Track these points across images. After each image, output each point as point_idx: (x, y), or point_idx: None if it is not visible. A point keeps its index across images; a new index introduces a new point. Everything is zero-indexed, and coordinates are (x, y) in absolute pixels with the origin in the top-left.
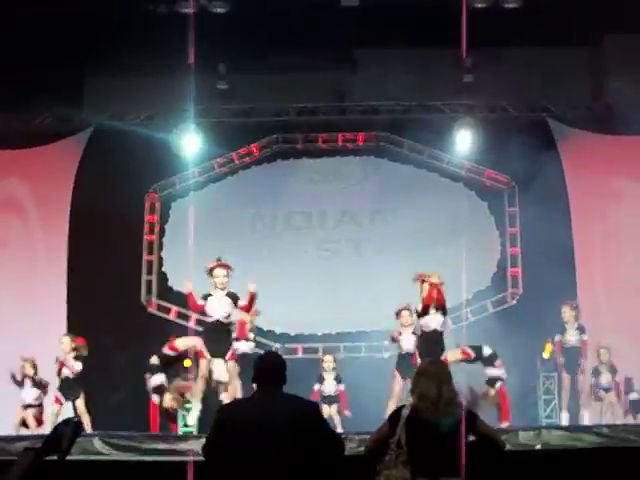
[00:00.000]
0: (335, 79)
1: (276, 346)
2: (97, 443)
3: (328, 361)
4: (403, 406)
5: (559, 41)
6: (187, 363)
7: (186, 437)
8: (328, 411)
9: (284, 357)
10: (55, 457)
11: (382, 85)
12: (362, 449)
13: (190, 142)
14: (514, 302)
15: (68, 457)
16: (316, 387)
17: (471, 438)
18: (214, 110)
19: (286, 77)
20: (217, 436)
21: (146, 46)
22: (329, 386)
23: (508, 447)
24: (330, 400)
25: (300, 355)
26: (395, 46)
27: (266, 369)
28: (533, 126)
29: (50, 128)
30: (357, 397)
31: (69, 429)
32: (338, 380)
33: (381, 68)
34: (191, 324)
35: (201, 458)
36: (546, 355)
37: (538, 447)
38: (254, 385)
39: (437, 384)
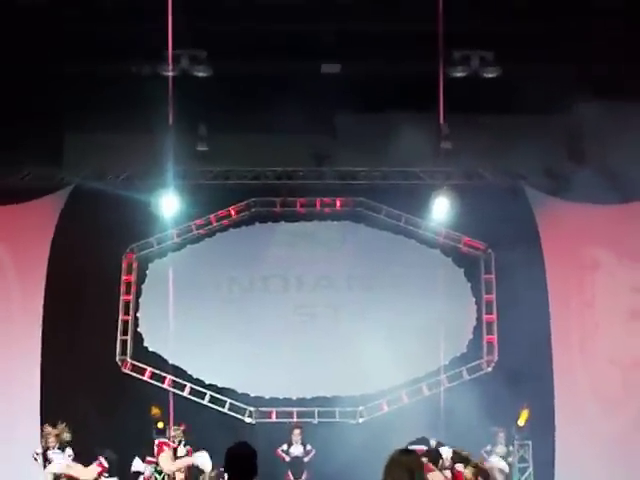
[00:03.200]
0: (314, 143)
1: (250, 409)
2: None
3: (296, 434)
4: None
5: (535, 109)
6: (160, 425)
7: None
8: None
9: (258, 421)
10: None
11: (361, 150)
12: None
13: (169, 203)
14: (489, 369)
15: None
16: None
17: None
18: (193, 172)
19: (266, 140)
20: None
21: (128, 106)
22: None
23: None
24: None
25: (274, 419)
26: (374, 111)
27: (237, 460)
28: (510, 193)
29: (29, 186)
30: (329, 462)
31: None
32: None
33: (360, 133)
34: (165, 385)
35: None
36: (521, 422)
37: None
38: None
39: (409, 473)
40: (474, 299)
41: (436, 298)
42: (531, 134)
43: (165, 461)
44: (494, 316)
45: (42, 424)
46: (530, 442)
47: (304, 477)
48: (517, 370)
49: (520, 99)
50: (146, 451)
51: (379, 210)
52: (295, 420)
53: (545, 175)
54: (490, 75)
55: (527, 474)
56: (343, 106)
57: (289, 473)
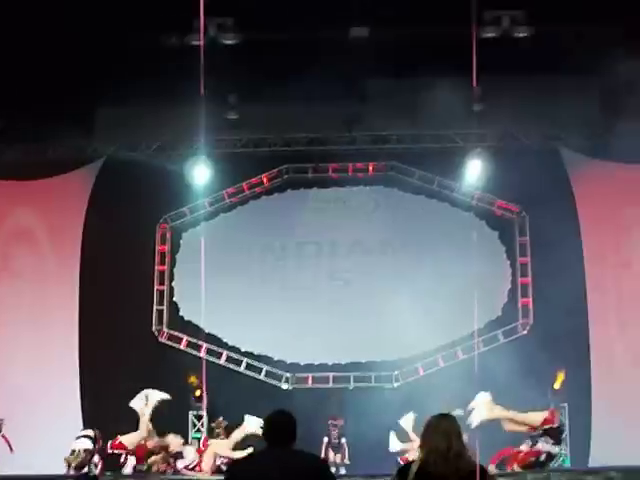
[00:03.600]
0: (345, 108)
1: (286, 375)
2: None
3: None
4: (413, 461)
5: (570, 69)
6: (197, 393)
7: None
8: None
9: (295, 387)
10: None
11: (392, 115)
12: None
13: (201, 172)
14: (525, 332)
15: None
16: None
17: None
18: (225, 140)
19: (296, 107)
20: None
21: (158, 77)
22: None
23: None
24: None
25: (310, 385)
26: (405, 75)
27: (277, 428)
28: (544, 155)
29: (62, 159)
30: (365, 426)
31: None
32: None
33: (391, 97)
34: (202, 354)
35: None
36: (557, 385)
37: None
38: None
39: (446, 438)
40: (509, 262)
41: (470, 262)
42: (565, 94)
43: (221, 448)
44: (529, 279)
45: (82, 396)
46: (566, 405)
47: (343, 441)
48: (553, 333)
49: (554, 59)
50: (181, 419)
51: (412, 174)
52: (331, 385)
53: (580, 135)
54: (522, 35)
55: (563, 437)
56: (373, 70)
57: (326, 438)
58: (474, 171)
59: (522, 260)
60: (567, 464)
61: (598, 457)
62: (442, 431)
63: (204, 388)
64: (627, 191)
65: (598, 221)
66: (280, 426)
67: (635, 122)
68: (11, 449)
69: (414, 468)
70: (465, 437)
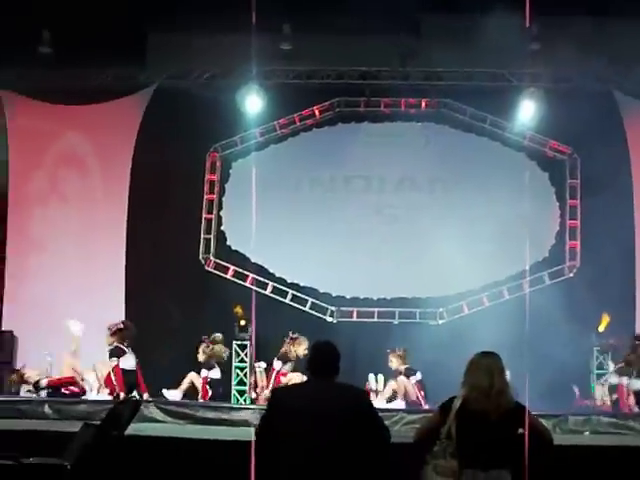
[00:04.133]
0: (399, 43)
1: (331, 309)
2: (153, 410)
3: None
4: (455, 397)
5: (628, 10)
6: (242, 322)
7: (239, 408)
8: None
9: (340, 320)
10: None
11: (446, 51)
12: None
13: (252, 103)
14: (571, 275)
15: None
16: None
17: (520, 431)
18: (277, 71)
19: (350, 39)
20: (270, 419)
21: (210, 4)
22: None
23: (558, 433)
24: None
25: (355, 319)
26: (461, 11)
27: (321, 360)
28: (599, 98)
29: (113, 85)
30: (409, 362)
31: (128, 407)
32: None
33: (446, 33)
34: (248, 284)
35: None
36: (601, 329)
37: (587, 433)
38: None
39: (489, 375)
40: (558, 204)
41: (519, 202)
42: (623, 37)
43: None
44: (578, 222)
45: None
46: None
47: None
48: (599, 276)
49: (614, 1)
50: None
51: (464, 111)
52: (376, 320)
53: (636, 79)
54: None
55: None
56: (429, 5)
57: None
58: (527, 111)
59: (572, 202)
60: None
61: None
62: (484, 368)
63: (250, 318)
64: None
65: None
66: (324, 356)
67: None
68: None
69: (456, 404)
70: (507, 375)
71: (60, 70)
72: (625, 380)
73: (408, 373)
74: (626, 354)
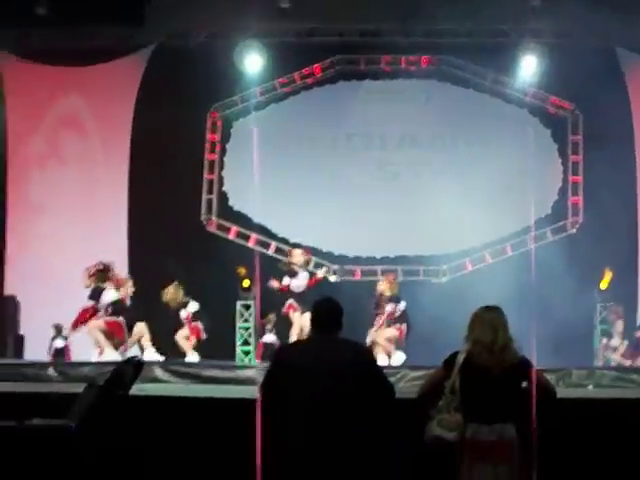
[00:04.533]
0: (400, 0)
1: (334, 267)
2: (157, 370)
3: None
4: (458, 352)
5: None
6: (245, 283)
7: (244, 366)
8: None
9: (343, 279)
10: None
11: (447, 7)
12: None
13: (252, 62)
14: (574, 231)
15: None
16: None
17: (524, 385)
18: (277, 30)
19: None
20: (274, 376)
21: None
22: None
23: (561, 386)
24: None
25: (358, 277)
26: None
27: (323, 315)
28: (600, 53)
29: (112, 46)
30: (413, 319)
31: (131, 368)
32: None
33: None
34: (250, 244)
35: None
36: (604, 285)
37: (590, 387)
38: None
39: (492, 330)
40: (560, 160)
41: (522, 158)
42: None
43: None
44: (580, 177)
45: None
46: (612, 304)
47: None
48: (602, 232)
49: None
50: (228, 308)
51: (465, 68)
52: (379, 278)
53: (637, 34)
54: None
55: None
56: None
57: None
58: (528, 67)
59: (574, 158)
60: (612, 363)
61: None
62: (488, 323)
63: (254, 278)
64: None
65: None
66: (326, 313)
67: None
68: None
69: (460, 359)
70: (511, 329)
71: (58, 31)
72: None
73: (394, 300)
74: None
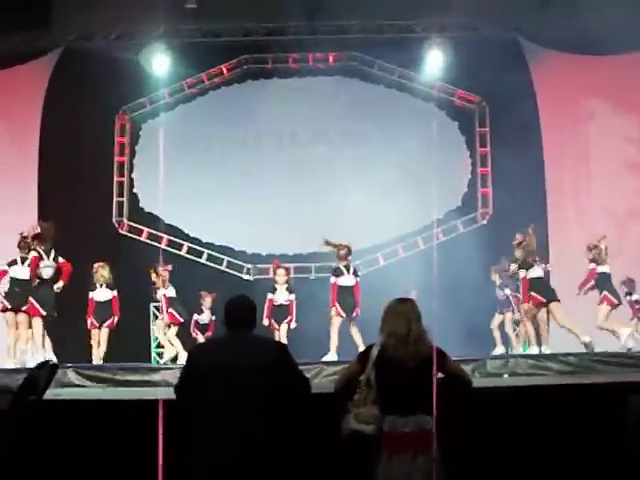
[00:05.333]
0: None
1: (248, 266)
2: (71, 374)
3: (280, 275)
4: (373, 345)
5: None
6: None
7: (158, 369)
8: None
9: (256, 277)
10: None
11: (353, 3)
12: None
13: (160, 63)
14: (484, 222)
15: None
16: (269, 296)
17: (439, 375)
18: (184, 30)
19: None
20: (188, 377)
21: None
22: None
23: (477, 377)
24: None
25: (271, 275)
26: None
27: (237, 313)
28: (505, 46)
29: (19, 49)
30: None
31: (44, 372)
32: (290, 290)
33: None
34: (163, 245)
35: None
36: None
37: (506, 376)
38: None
39: (406, 322)
40: (468, 152)
41: (431, 152)
42: None
43: None
44: (488, 169)
45: None
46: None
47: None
48: (512, 222)
49: None
50: (143, 311)
51: (372, 64)
52: (293, 276)
53: (540, 27)
54: None
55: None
56: None
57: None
58: (435, 61)
59: (482, 150)
60: (525, 351)
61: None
62: (401, 314)
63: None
64: (586, 82)
65: (557, 111)
66: (240, 310)
67: (593, 14)
68: None
69: (374, 352)
70: (423, 321)
71: None
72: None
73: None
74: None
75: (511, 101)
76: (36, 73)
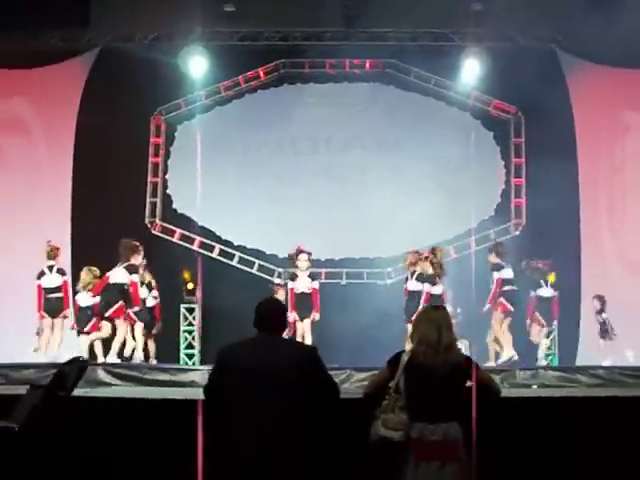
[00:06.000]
0: (344, 3)
1: (278, 270)
2: (101, 373)
3: (302, 260)
4: (403, 351)
5: None
6: (190, 286)
7: (187, 369)
8: (301, 326)
9: (287, 281)
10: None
11: (391, 11)
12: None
13: (197, 65)
14: (517, 233)
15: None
16: (289, 285)
17: (468, 384)
18: (222, 33)
19: (295, 1)
20: (218, 378)
21: None
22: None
23: (506, 387)
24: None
25: None
26: None
27: (266, 315)
28: (542, 57)
29: (56, 48)
30: (357, 322)
31: (74, 369)
32: (312, 277)
33: None
34: (195, 247)
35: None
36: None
37: (535, 387)
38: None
39: (437, 329)
40: (503, 162)
41: (465, 161)
42: None
43: None
44: (523, 180)
45: (73, 288)
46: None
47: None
48: (544, 234)
49: None
50: (173, 312)
51: (408, 72)
52: (323, 281)
53: (578, 39)
54: None
55: (552, 336)
56: None
57: None
58: (471, 71)
59: (517, 161)
60: (555, 363)
61: (586, 356)
62: (433, 322)
63: (198, 281)
64: (623, 95)
65: (593, 124)
66: (270, 313)
67: (630, 25)
68: None
69: (404, 359)
70: (455, 330)
71: (2, 33)
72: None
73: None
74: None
75: (547, 112)
76: (73, 72)
